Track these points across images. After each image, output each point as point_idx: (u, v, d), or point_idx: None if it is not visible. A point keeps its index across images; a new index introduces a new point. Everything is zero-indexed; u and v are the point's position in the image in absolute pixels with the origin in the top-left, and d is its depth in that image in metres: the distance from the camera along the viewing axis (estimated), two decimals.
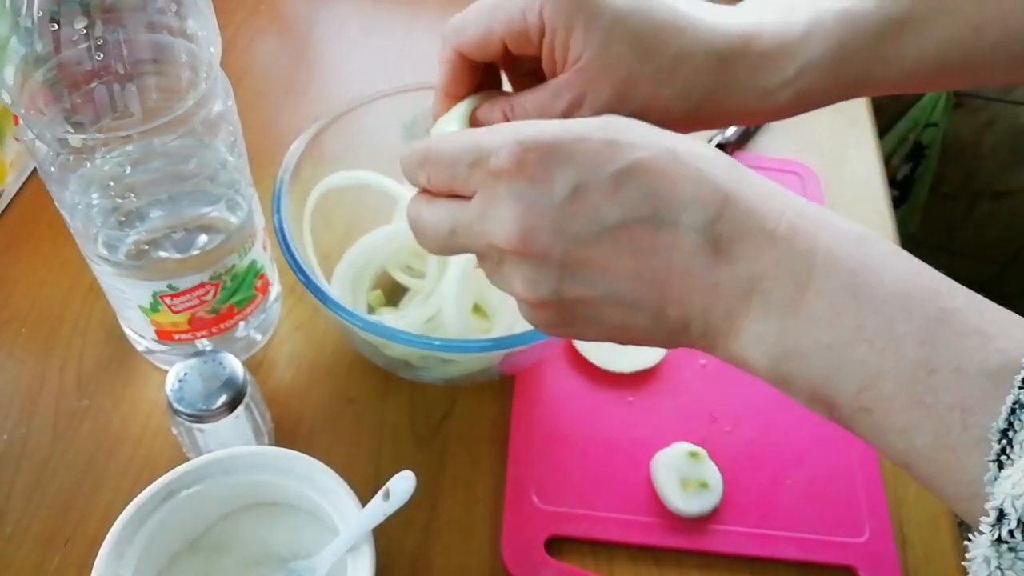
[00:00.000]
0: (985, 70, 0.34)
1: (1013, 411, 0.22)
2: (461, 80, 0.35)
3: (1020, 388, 0.22)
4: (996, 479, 0.22)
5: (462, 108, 0.34)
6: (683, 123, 0.33)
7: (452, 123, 0.33)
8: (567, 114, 0.32)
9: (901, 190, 0.95)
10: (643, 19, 0.31)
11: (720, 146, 0.61)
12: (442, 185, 0.30)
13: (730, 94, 0.33)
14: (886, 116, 0.90)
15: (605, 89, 0.31)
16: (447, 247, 0.30)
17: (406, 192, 0.45)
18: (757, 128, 0.66)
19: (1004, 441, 0.22)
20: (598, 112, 0.32)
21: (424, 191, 0.31)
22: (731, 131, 0.63)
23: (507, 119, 0.33)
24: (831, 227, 0.26)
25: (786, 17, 0.33)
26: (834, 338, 0.25)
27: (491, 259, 0.29)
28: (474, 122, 0.34)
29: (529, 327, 0.41)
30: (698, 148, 0.27)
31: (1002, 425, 0.22)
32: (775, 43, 0.33)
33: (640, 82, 0.32)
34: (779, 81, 0.33)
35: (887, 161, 0.91)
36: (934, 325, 0.24)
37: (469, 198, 0.28)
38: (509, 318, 0.45)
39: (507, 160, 0.27)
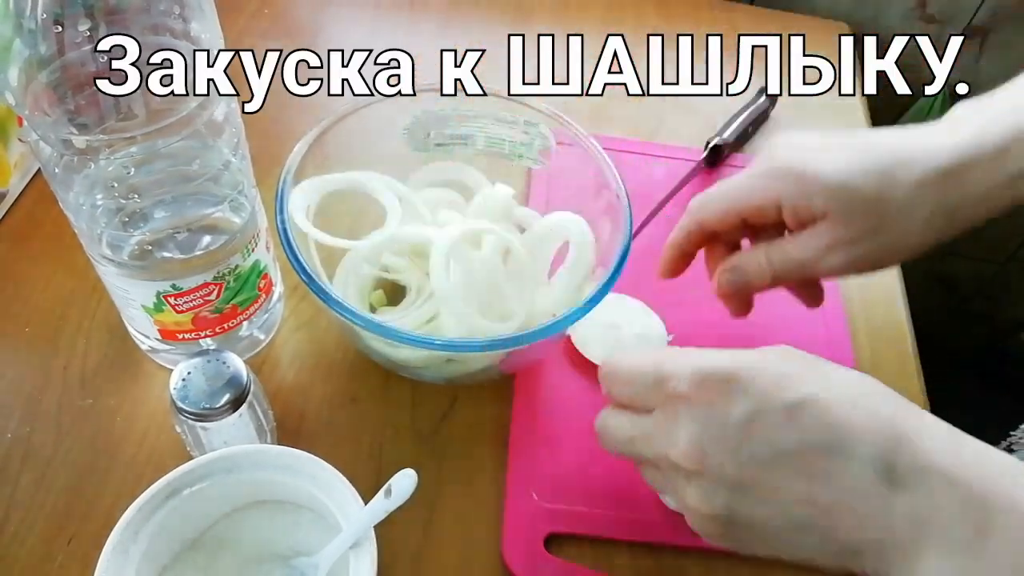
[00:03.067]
0: None
1: None
2: (693, 240, 0.43)
3: None
4: None
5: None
6: (936, 241, 0.38)
7: None
8: (826, 252, 0.38)
9: None
10: (864, 182, 0.37)
11: (717, 148, 0.62)
12: (624, 399, 0.35)
13: (966, 204, 0.38)
14: (883, 118, 0.90)
15: (855, 231, 0.37)
16: (625, 451, 0.35)
17: (392, 195, 0.46)
18: (755, 130, 0.66)
19: None
20: (851, 257, 0.37)
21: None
22: (728, 132, 0.63)
23: (767, 258, 0.40)
24: (1006, 470, 0.27)
25: (980, 139, 0.37)
26: None
27: (663, 469, 0.32)
28: (731, 267, 0.42)
29: (529, 328, 0.41)
30: (867, 385, 0.30)
31: None
32: (998, 151, 0.37)
33: (884, 222, 0.37)
34: (1007, 176, 0.38)
35: None
36: None
37: (648, 412, 0.33)
38: (518, 320, 0.45)
39: (687, 385, 0.30)
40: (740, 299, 0.44)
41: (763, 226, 0.42)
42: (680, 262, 0.45)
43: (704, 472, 0.30)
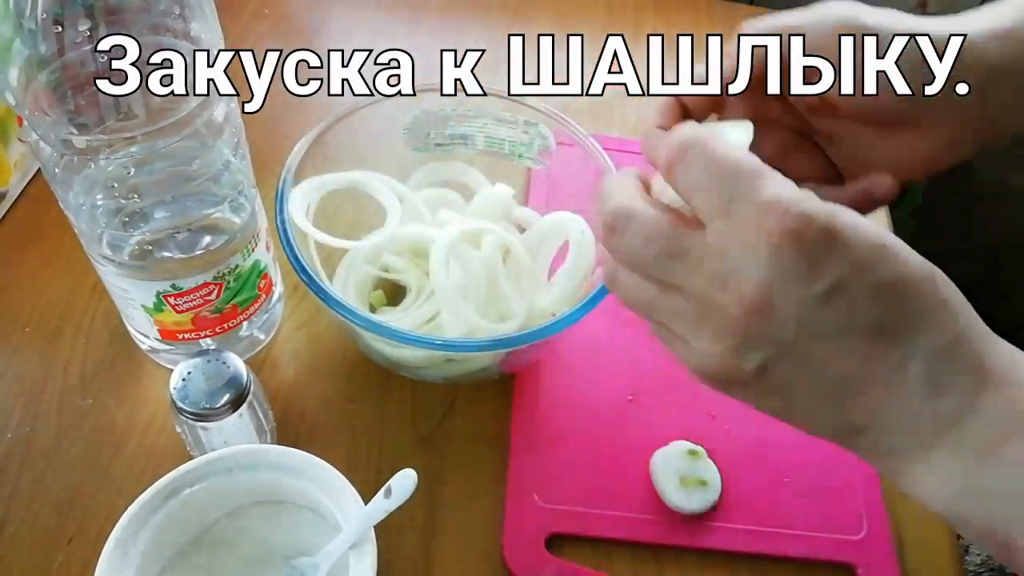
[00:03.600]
0: None
1: None
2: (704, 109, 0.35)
3: None
4: None
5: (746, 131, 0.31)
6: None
7: (740, 132, 0.31)
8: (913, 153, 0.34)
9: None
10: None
11: None
12: (682, 183, 0.27)
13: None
14: None
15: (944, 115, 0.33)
16: (649, 266, 0.27)
17: (392, 195, 0.45)
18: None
19: None
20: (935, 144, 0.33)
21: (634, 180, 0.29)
22: None
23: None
24: None
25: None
26: None
27: (694, 304, 0.27)
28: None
29: (529, 328, 0.41)
30: (944, 276, 0.28)
31: None
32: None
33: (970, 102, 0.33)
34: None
35: None
36: None
37: (696, 222, 0.26)
38: (517, 320, 0.45)
39: (787, 223, 0.24)
40: None
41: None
42: (678, 117, 0.35)
43: (756, 324, 0.25)
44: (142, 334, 0.45)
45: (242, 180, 0.41)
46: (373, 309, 0.49)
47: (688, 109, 0.35)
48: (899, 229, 0.63)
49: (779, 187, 0.25)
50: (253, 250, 0.43)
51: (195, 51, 0.35)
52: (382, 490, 0.35)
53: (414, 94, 0.48)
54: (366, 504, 0.35)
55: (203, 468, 0.36)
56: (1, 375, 0.47)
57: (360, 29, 0.70)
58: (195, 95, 0.36)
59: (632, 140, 0.64)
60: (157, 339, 0.44)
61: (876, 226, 0.26)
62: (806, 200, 0.25)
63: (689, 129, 0.27)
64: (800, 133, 0.37)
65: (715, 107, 0.35)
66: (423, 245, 0.45)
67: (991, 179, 0.97)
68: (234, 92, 0.39)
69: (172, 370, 0.39)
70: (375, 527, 0.35)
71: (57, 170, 0.37)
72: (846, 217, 0.25)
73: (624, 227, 0.27)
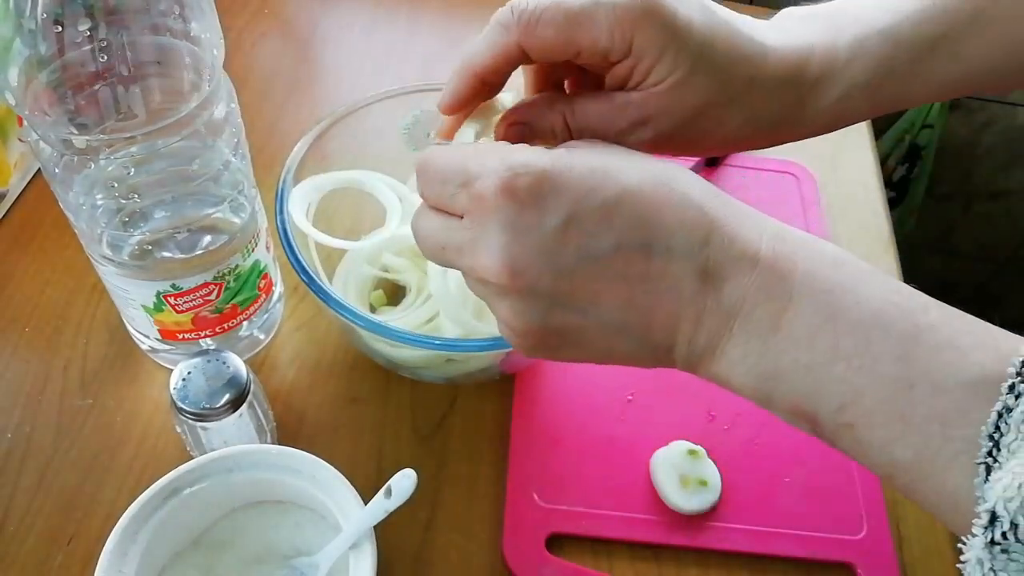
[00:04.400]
0: (1016, 83, 0.35)
1: (1000, 415, 0.22)
2: (501, 65, 0.32)
3: (1006, 394, 0.22)
4: (986, 483, 0.22)
5: (475, 125, 0.33)
6: (744, 146, 0.34)
7: (469, 134, 0.33)
8: (630, 130, 0.32)
9: (897, 191, 0.95)
10: (726, 48, 0.31)
11: None
12: (433, 200, 0.29)
13: (785, 118, 0.34)
14: (882, 118, 0.90)
15: (678, 113, 0.31)
16: (439, 261, 0.30)
17: (392, 195, 0.45)
18: None
19: (991, 445, 0.23)
20: (661, 134, 0.32)
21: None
22: None
23: (566, 123, 0.33)
24: (808, 249, 0.27)
25: (833, 40, 0.33)
26: (812, 358, 0.25)
27: (483, 289, 0.29)
28: (521, 120, 0.33)
29: None
30: (680, 173, 0.28)
31: (990, 430, 0.23)
32: (823, 68, 0.33)
33: (712, 108, 0.32)
34: (824, 106, 0.34)
35: (883, 162, 0.91)
36: (910, 342, 0.24)
37: (460, 216, 0.28)
38: None
39: (496, 185, 0.26)
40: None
41: (568, 72, 0.34)
42: (475, 91, 0.33)
43: (516, 287, 0.27)
44: (142, 334, 0.45)
45: (242, 180, 0.41)
46: (373, 309, 0.49)
47: (482, 79, 0.33)
48: (900, 229, 0.63)
49: (485, 159, 0.27)
50: (253, 250, 0.43)
51: (195, 51, 0.35)
52: (382, 490, 0.35)
53: (414, 94, 0.48)
54: (366, 504, 0.35)
55: (203, 468, 0.36)
56: (1, 375, 0.47)
57: (360, 28, 0.70)
58: (195, 95, 0.36)
59: None
60: (157, 339, 0.44)
61: (598, 154, 0.27)
62: (513, 157, 0.26)
63: (420, 157, 0.30)
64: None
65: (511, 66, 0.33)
66: None
67: (991, 179, 0.97)
68: (234, 92, 0.39)
69: (172, 370, 0.39)
70: (375, 527, 0.35)
71: (57, 170, 0.37)
72: (561, 157, 0.26)
73: (418, 240, 0.30)
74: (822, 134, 0.35)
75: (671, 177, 0.27)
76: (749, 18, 0.33)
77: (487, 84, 0.33)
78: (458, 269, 0.29)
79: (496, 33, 0.31)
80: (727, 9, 0.32)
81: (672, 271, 0.26)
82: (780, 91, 0.33)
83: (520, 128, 0.34)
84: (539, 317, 0.27)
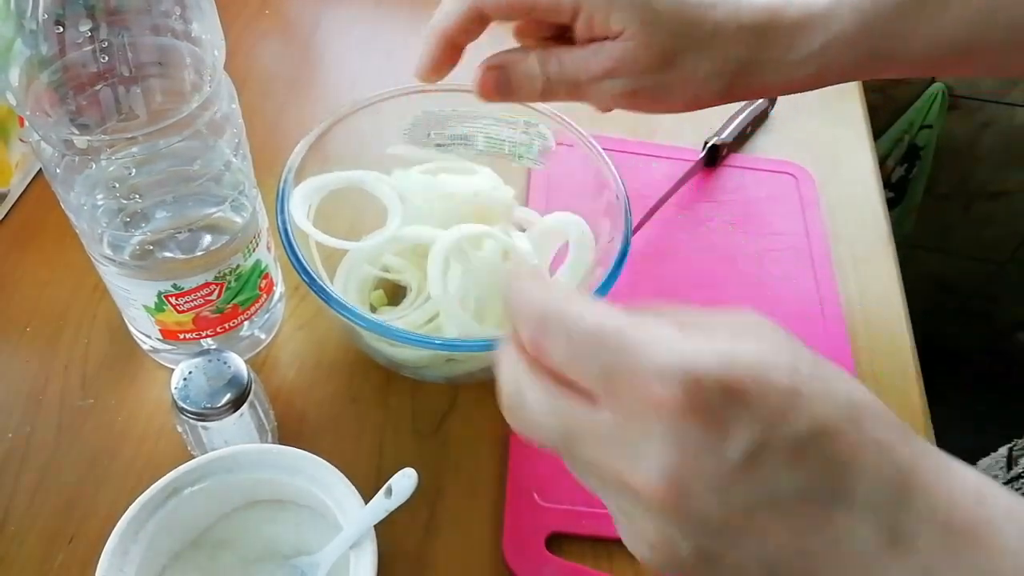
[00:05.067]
0: (996, 56, 0.35)
1: None
2: (469, 27, 0.35)
3: None
4: None
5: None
6: (718, 97, 0.34)
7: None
8: (603, 77, 0.32)
9: (896, 191, 0.95)
10: None
11: (715, 147, 0.62)
12: (564, 367, 0.23)
13: (760, 67, 0.34)
14: (881, 118, 0.90)
15: (643, 62, 0.32)
16: (550, 442, 0.24)
17: (394, 194, 0.45)
18: (753, 130, 0.66)
19: None
20: (633, 85, 0.32)
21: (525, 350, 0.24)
22: (727, 132, 0.63)
23: (540, 65, 0.33)
24: (1011, 515, 0.23)
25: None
26: None
27: (615, 491, 0.24)
28: (498, 65, 0.35)
29: None
30: (876, 406, 0.24)
31: None
32: (801, 16, 0.33)
33: (678, 55, 0.32)
34: (805, 54, 0.34)
35: (882, 163, 0.91)
36: None
37: (590, 394, 0.23)
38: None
39: (676, 395, 0.21)
40: (501, 97, 0.37)
41: (542, 30, 0.36)
42: (447, 54, 0.36)
43: (675, 510, 0.22)
44: (143, 334, 0.45)
45: (243, 180, 0.41)
46: (374, 309, 0.49)
47: (452, 42, 0.36)
48: (899, 229, 0.64)
49: (654, 349, 0.22)
50: (254, 250, 0.43)
51: (196, 51, 0.35)
52: (382, 490, 0.35)
53: (414, 94, 0.48)
54: (367, 503, 0.35)
55: (204, 468, 0.36)
56: (2, 375, 0.47)
57: (360, 28, 0.70)
58: (196, 95, 0.36)
59: (631, 141, 0.64)
60: (158, 339, 0.44)
61: (784, 360, 0.22)
62: (692, 357, 0.21)
63: (538, 297, 0.24)
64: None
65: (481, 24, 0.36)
66: (424, 245, 0.45)
67: (990, 179, 0.97)
68: (235, 92, 0.39)
69: (173, 370, 0.39)
70: (376, 526, 0.35)
71: (58, 170, 0.37)
72: (743, 362, 0.22)
73: (518, 411, 0.25)
74: (807, 89, 0.35)
75: (867, 412, 0.23)
76: None
77: (456, 47, 0.36)
78: (584, 465, 0.24)
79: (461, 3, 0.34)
80: None
81: (855, 529, 0.23)
82: (750, 37, 0.33)
83: (497, 72, 0.35)
84: (692, 545, 0.23)
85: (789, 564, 0.23)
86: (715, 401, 0.21)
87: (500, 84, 0.36)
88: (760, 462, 0.22)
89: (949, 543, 0.23)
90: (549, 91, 0.36)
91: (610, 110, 0.37)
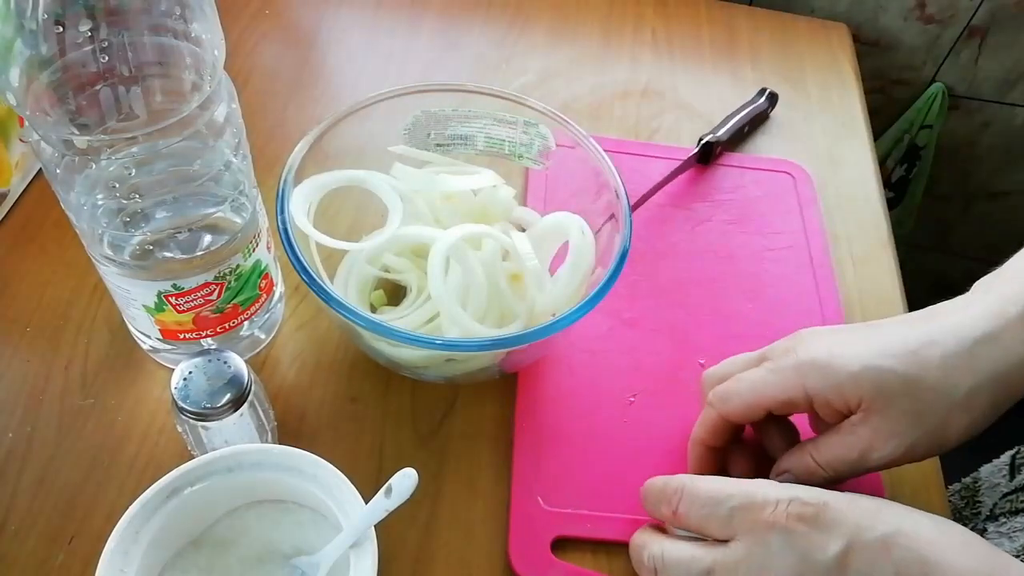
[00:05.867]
0: None
1: None
2: (719, 434, 0.41)
3: None
4: None
5: None
6: (992, 412, 0.36)
7: None
8: (870, 448, 0.35)
9: (896, 191, 0.95)
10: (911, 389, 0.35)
11: (710, 144, 0.62)
12: (698, 522, 0.34)
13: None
14: (881, 118, 0.90)
15: (894, 422, 0.35)
16: None
17: (394, 194, 0.45)
18: (753, 129, 0.66)
19: None
20: (898, 437, 0.35)
21: (655, 527, 0.37)
22: (723, 130, 0.63)
23: (815, 460, 0.37)
24: None
25: (1004, 303, 0.36)
26: None
27: None
28: (784, 469, 0.39)
29: (528, 328, 0.42)
30: (949, 523, 0.31)
31: None
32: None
33: (922, 414, 0.35)
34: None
35: (882, 163, 0.91)
36: None
37: (717, 540, 0.33)
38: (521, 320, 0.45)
39: (785, 511, 0.31)
40: None
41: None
42: (709, 458, 0.43)
43: None
44: (143, 334, 0.45)
45: (243, 180, 0.41)
46: (374, 309, 0.49)
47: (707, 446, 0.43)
48: (899, 229, 0.64)
49: (763, 487, 0.32)
50: (254, 250, 0.43)
51: (196, 51, 0.35)
52: (382, 489, 0.35)
53: (414, 94, 0.48)
54: (367, 503, 0.35)
55: (204, 467, 0.36)
56: (2, 375, 0.47)
57: (360, 29, 0.70)
58: (196, 96, 0.36)
59: (631, 141, 0.64)
60: (158, 339, 0.44)
61: (868, 497, 0.32)
62: (793, 488, 0.32)
63: (668, 482, 0.36)
64: None
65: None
66: (424, 246, 0.45)
67: (990, 179, 0.97)
68: (235, 92, 0.39)
69: (173, 370, 0.39)
70: (376, 526, 0.35)
71: (58, 170, 0.37)
72: (837, 494, 0.31)
73: (662, 566, 0.35)
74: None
75: (947, 527, 0.30)
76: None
77: (714, 450, 0.42)
78: None
79: (708, 411, 0.41)
80: (895, 324, 0.38)
81: None
82: (973, 357, 0.35)
83: (786, 478, 0.38)
84: None
85: None
86: (815, 515, 0.30)
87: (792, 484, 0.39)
88: (853, 557, 0.30)
89: None
90: (831, 479, 0.38)
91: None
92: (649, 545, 0.36)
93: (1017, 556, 0.44)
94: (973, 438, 0.36)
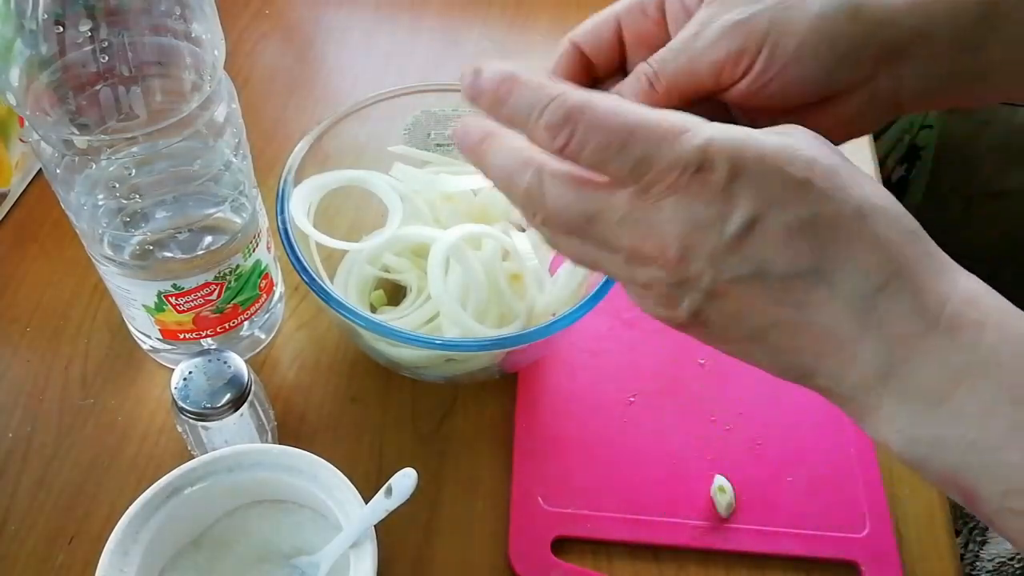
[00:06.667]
0: None
1: None
2: (573, 67, 0.33)
3: None
4: None
5: None
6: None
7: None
8: (705, 24, 0.30)
9: (897, 191, 0.95)
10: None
11: None
12: (593, 161, 0.26)
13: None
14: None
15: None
16: (575, 231, 0.27)
17: (394, 193, 0.45)
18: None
19: None
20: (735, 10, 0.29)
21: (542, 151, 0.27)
22: None
23: (652, 70, 0.31)
24: (1001, 320, 0.24)
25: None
26: (982, 436, 0.23)
27: (624, 258, 0.27)
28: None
29: (528, 328, 0.42)
30: (887, 202, 0.25)
31: None
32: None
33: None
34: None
35: (883, 162, 0.91)
36: None
37: (608, 180, 0.26)
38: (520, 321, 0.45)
39: (682, 172, 0.24)
40: None
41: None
42: (579, 62, 0.34)
43: (676, 274, 0.26)
44: (143, 334, 0.45)
45: (243, 180, 0.41)
46: (374, 309, 0.49)
47: (591, 61, 0.33)
48: None
49: (670, 135, 0.25)
50: (254, 250, 0.43)
51: (196, 51, 0.35)
52: (382, 489, 0.35)
53: (414, 94, 0.48)
54: (366, 503, 0.35)
55: (204, 467, 0.36)
56: (2, 375, 0.47)
57: (360, 29, 0.70)
58: (196, 96, 0.36)
59: None
60: (158, 339, 0.44)
61: (805, 154, 0.25)
62: (710, 137, 0.24)
63: (567, 100, 0.26)
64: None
65: (620, 64, 0.34)
66: (424, 246, 0.45)
67: (991, 179, 0.97)
68: (235, 92, 0.39)
69: (173, 370, 0.39)
70: (376, 526, 0.35)
71: (58, 170, 0.37)
72: (758, 146, 0.24)
73: (538, 201, 0.27)
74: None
75: (873, 209, 0.25)
76: None
77: (583, 54, 0.33)
78: (602, 241, 0.27)
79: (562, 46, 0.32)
80: None
81: (832, 306, 0.25)
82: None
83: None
84: (688, 306, 0.26)
85: (765, 333, 0.26)
86: (722, 179, 0.24)
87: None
88: (754, 236, 0.24)
89: (926, 332, 0.24)
90: (670, 93, 0.32)
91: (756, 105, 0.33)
92: (522, 172, 0.27)
93: (1018, 555, 0.44)
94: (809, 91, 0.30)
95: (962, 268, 0.26)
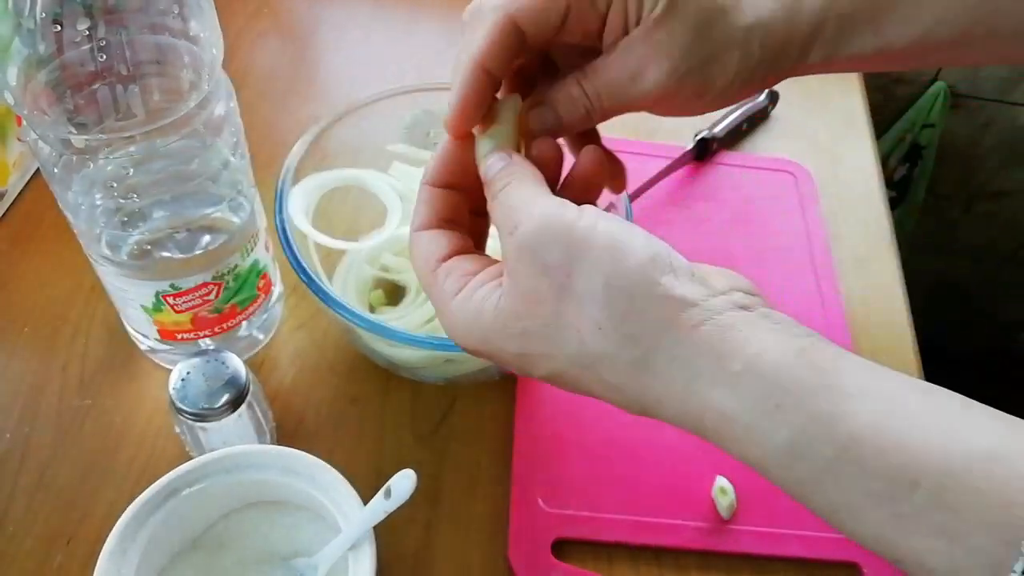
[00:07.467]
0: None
1: None
2: (501, 58, 0.31)
3: None
4: None
5: (508, 112, 0.32)
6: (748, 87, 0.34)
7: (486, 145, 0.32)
8: (634, 80, 0.32)
9: (898, 191, 0.95)
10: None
11: (705, 140, 0.61)
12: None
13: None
14: (883, 117, 0.90)
15: (680, 32, 0.32)
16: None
17: (393, 193, 0.45)
18: (752, 128, 0.66)
19: None
20: (665, 81, 0.32)
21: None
22: (719, 127, 0.63)
23: (580, 87, 0.33)
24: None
25: None
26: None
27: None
28: (541, 101, 0.33)
29: None
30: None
31: None
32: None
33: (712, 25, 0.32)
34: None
35: (884, 162, 0.91)
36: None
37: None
38: None
39: (523, 240, 0.28)
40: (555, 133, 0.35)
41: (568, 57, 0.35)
42: (487, 84, 0.32)
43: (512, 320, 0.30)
44: (141, 334, 0.45)
45: (241, 180, 0.41)
46: (373, 309, 0.49)
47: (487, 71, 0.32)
48: (901, 228, 0.63)
49: (523, 215, 0.28)
50: (252, 250, 0.43)
51: (194, 50, 0.35)
52: (381, 491, 0.35)
53: (414, 93, 0.48)
54: (366, 504, 0.35)
55: (202, 468, 0.36)
56: (0, 375, 0.47)
57: (359, 28, 0.70)
58: (194, 94, 0.36)
59: (632, 141, 0.64)
60: (156, 339, 0.44)
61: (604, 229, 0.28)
62: (539, 226, 0.28)
63: (500, 172, 0.31)
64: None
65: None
66: None
67: (992, 179, 0.97)
68: (233, 91, 0.39)
69: (171, 370, 0.39)
70: (375, 528, 0.35)
71: (56, 169, 0.37)
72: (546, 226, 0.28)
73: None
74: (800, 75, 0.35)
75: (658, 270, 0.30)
76: None
77: (493, 76, 0.31)
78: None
79: (490, 18, 0.31)
80: None
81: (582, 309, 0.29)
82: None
83: (542, 109, 0.33)
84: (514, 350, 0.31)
85: (561, 375, 0.32)
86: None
87: (547, 121, 0.34)
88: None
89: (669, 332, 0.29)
90: (594, 112, 0.34)
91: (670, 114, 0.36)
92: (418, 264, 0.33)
93: None
94: (731, 97, 0.34)
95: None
